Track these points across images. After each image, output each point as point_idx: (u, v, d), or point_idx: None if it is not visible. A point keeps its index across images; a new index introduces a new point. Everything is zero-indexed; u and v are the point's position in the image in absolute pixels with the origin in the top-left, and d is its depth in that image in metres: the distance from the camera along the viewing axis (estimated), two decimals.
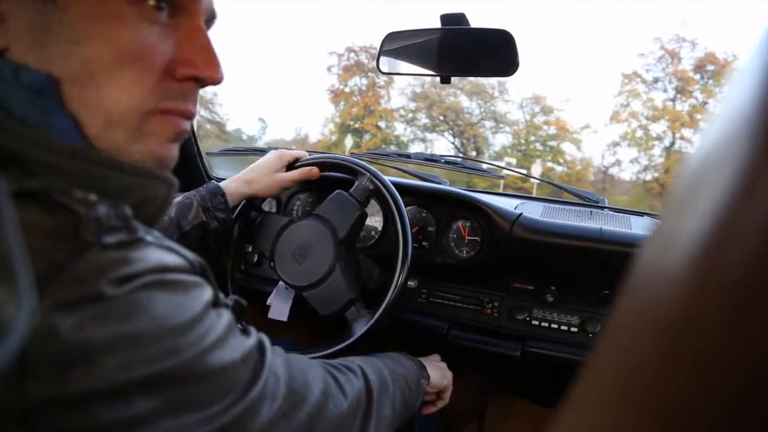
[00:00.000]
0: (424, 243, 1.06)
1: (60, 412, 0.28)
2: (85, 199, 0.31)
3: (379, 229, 1.10)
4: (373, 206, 1.11)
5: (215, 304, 0.38)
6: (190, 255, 0.38)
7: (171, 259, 0.35)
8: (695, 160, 0.12)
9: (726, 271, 0.10)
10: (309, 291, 0.87)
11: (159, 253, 0.34)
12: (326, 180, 1.13)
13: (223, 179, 1.26)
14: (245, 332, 0.40)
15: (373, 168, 0.92)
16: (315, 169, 0.92)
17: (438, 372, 0.79)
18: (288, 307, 0.96)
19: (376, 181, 0.90)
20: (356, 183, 0.91)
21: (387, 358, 0.68)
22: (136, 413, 0.30)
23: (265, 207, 1.17)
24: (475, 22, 0.85)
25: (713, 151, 0.11)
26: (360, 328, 0.85)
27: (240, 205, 0.97)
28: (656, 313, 0.11)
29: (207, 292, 0.36)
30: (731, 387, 0.09)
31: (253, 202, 0.98)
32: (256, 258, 1.21)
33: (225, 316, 0.37)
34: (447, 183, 1.15)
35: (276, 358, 0.42)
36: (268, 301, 0.98)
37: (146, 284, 0.32)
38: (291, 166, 0.94)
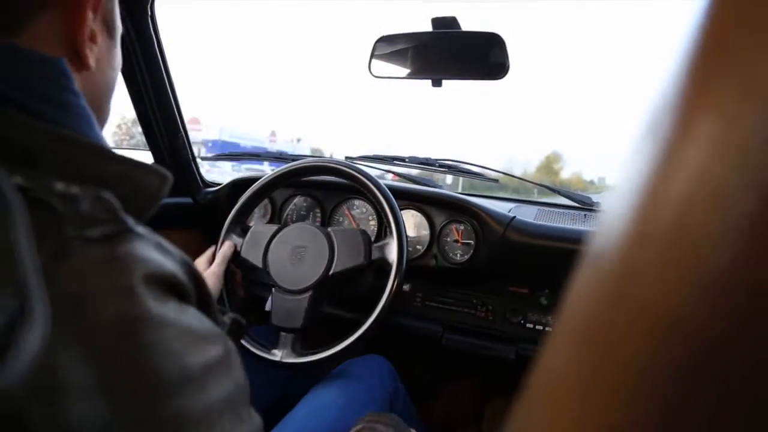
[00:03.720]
0: (419, 246, 1.06)
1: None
2: (66, 193, 0.30)
3: (375, 232, 1.10)
4: (368, 210, 1.11)
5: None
6: (178, 255, 0.36)
7: (162, 262, 0.33)
8: (635, 131, 0.13)
9: (655, 224, 0.11)
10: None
11: (149, 251, 0.32)
12: (322, 184, 1.14)
13: (218, 185, 1.27)
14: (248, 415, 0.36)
15: (366, 170, 0.92)
16: (226, 246, 0.95)
17: None
18: None
19: (370, 184, 0.90)
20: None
21: None
22: None
23: (260, 211, 1.17)
24: (469, 24, 0.86)
25: (641, 135, 0.12)
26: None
27: (223, 232, 0.98)
28: (602, 264, 0.13)
29: (216, 348, 0.33)
30: (665, 329, 0.11)
31: (241, 222, 0.99)
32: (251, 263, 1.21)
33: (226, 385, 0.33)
34: (443, 186, 1.15)
35: None
36: (267, 307, 0.98)
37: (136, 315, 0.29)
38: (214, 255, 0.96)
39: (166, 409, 0.29)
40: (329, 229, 0.92)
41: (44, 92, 0.35)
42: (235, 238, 0.98)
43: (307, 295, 0.89)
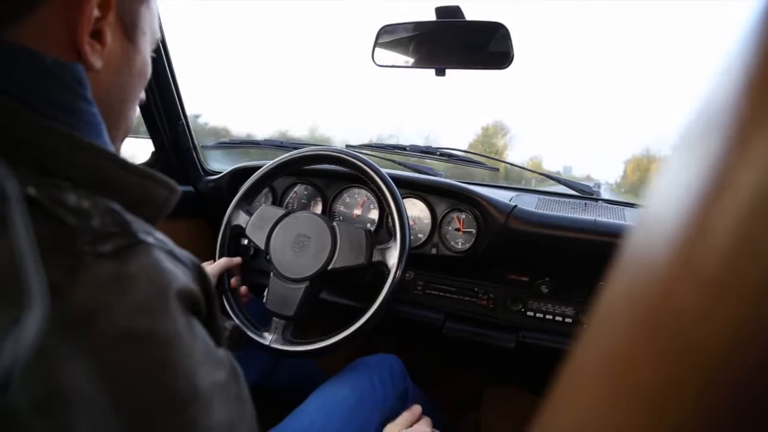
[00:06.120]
0: (420, 235, 1.06)
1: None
2: (78, 207, 0.30)
3: (375, 221, 1.10)
4: (370, 199, 1.12)
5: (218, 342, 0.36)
6: (189, 260, 0.36)
7: (173, 273, 0.33)
8: (671, 156, 0.12)
9: (702, 261, 0.10)
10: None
11: (160, 263, 0.32)
12: (323, 172, 1.14)
13: (219, 173, 1.27)
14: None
15: (368, 159, 0.92)
16: (236, 259, 0.97)
17: None
18: None
19: (372, 173, 0.91)
20: None
21: None
22: None
23: (260, 200, 1.17)
24: (471, 14, 0.85)
25: (684, 150, 0.11)
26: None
27: (229, 210, 0.99)
28: (639, 297, 0.12)
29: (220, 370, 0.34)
30: (705, 367, 0.10)
31: (243, 206, 1.00)
32: (252, 251, 1.22)
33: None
34: (443, 175, 1.16)
35: None
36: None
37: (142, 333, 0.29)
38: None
39: (173, 426, 0.29)
40: (335, 223, 0.92)
41: (59, 98, 0.34)
42: (242, 216, 0.99)
43: (304, 285, 0.90)
